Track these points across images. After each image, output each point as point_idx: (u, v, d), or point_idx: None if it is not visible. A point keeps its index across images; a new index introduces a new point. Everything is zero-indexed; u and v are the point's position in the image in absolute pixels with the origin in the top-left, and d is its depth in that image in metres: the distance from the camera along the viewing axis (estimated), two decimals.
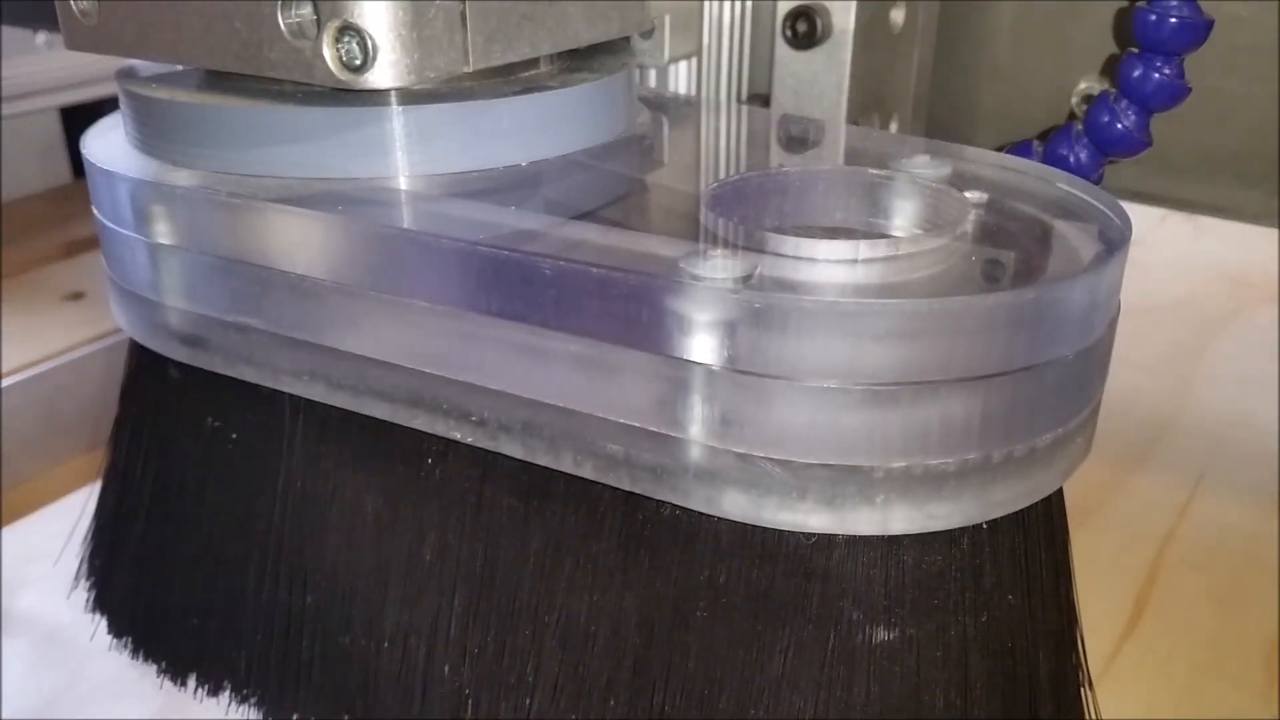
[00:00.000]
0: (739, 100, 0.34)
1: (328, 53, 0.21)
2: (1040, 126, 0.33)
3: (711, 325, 0.18)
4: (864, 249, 0.19)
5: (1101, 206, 0.21)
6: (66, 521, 0.33)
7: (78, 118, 0.71)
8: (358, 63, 0.21)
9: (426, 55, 0.21)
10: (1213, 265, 0.58)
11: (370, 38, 0.21)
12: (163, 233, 0.23)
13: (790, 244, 0.19)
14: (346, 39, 0.21)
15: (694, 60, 0.33)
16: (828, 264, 0.19)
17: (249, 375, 0.24)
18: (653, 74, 0.33)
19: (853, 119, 0.32)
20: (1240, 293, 0.55)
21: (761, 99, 0.33)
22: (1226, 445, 0.42)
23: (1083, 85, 0.32)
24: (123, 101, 0.25)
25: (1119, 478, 0.39)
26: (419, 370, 0.21)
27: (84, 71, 0.67)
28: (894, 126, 0.34)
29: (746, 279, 0.18)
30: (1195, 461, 0.40)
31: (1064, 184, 0.23)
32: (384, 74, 0.21)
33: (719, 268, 0.18)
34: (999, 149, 0.33)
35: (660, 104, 0.29)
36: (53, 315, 0.54)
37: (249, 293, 0.23)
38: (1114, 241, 0.20)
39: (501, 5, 0.22)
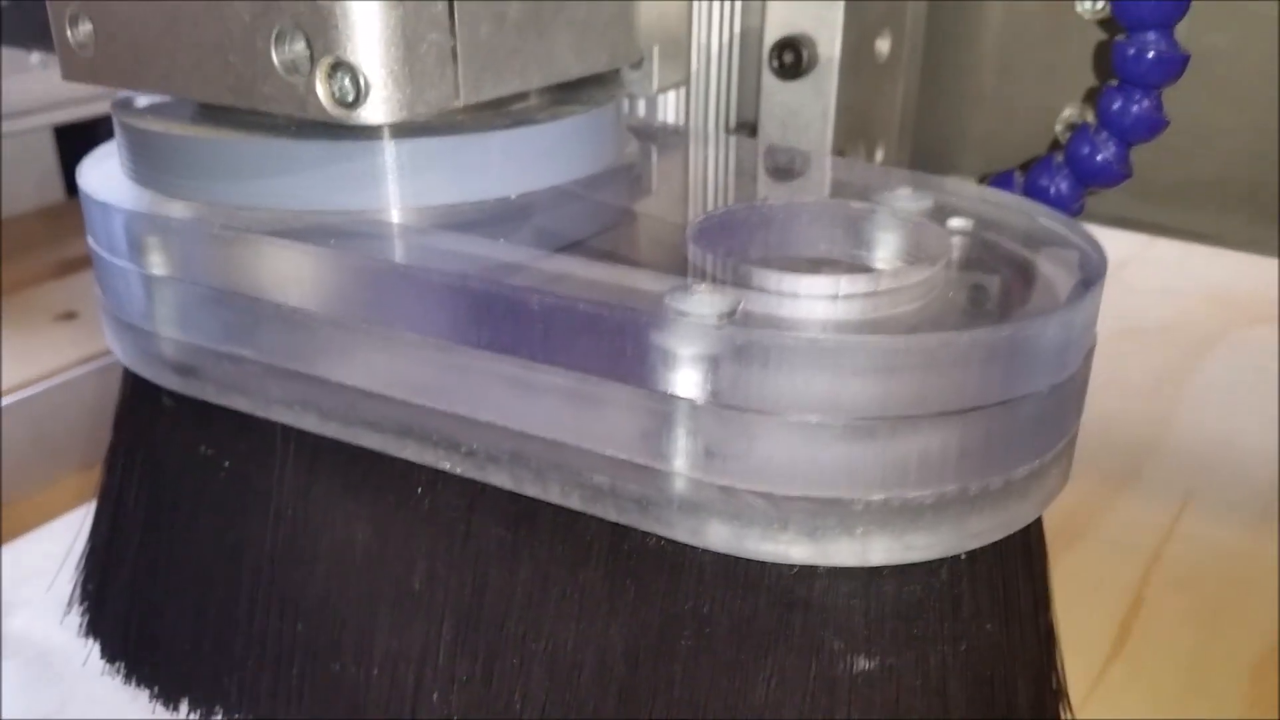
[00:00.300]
0: (727, 129, 0.34)
1: (320, 88, 0.21)
2: (1025, 154, 0.34)
3: (695, 360, 0.18)
4: (845, 284, 0.19)
5: (1079, 241, 0.22)
6: (60, 542, 0.33)
7: (71, 136, 0.71)
8: (350, 98, 0.21)
9: (418, 91, 0.22)
10: (1200, 287, 0.58)
11: (362, 74, 0.21)
12: (156, 264, 0.24)
13: (774, 279, 0.19)
14: (339, 75, 0.21)
15: (682, 90, 0.33)
16: (810, 299, 0.19)
17: (241, 404, 0.24)
18: (641, 103, 0.34)
19: (839, 148, 0.32)
20: (1227, 314, 0.55)
21: (749, 127, 0.34)
22: (1213, 466, 0.42)
23: (1067, 113, 0.33)
24: (118, 133, 0.26)
25: (1106, 499, 0.40)
26: (409, 401, 0.22)
27: (77, 90, 0.68)
28: (880, 155, 0.35)
29: (730, 315, 0.18)
30: (1182, 482, 0.41)
31: (1043, 218, 0.23)
32: (376, 109, 0.21)
33: (703, 303, 0.18)
34: (983, 178, 0.34)
35: (649, 134, 0.30)
36: (45, 335, 0.54)
37: (241, 323, 0.23)
38: (1090, 277, 0.20)
39: (492, 41, 0.23)
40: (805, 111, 0.32)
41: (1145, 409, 0.46)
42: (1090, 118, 0.30)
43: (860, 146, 0.33)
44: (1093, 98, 0.31)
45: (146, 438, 0.27)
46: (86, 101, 0.69)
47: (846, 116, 0.32)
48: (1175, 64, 0.27)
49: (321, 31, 0.21)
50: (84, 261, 0.64)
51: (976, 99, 0.35)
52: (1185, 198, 0.33)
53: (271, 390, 0.24)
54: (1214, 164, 0.32)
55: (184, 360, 0.25)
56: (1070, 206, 0.29)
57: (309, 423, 0.23)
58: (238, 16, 0.22)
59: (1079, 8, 0.31)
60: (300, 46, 0.21)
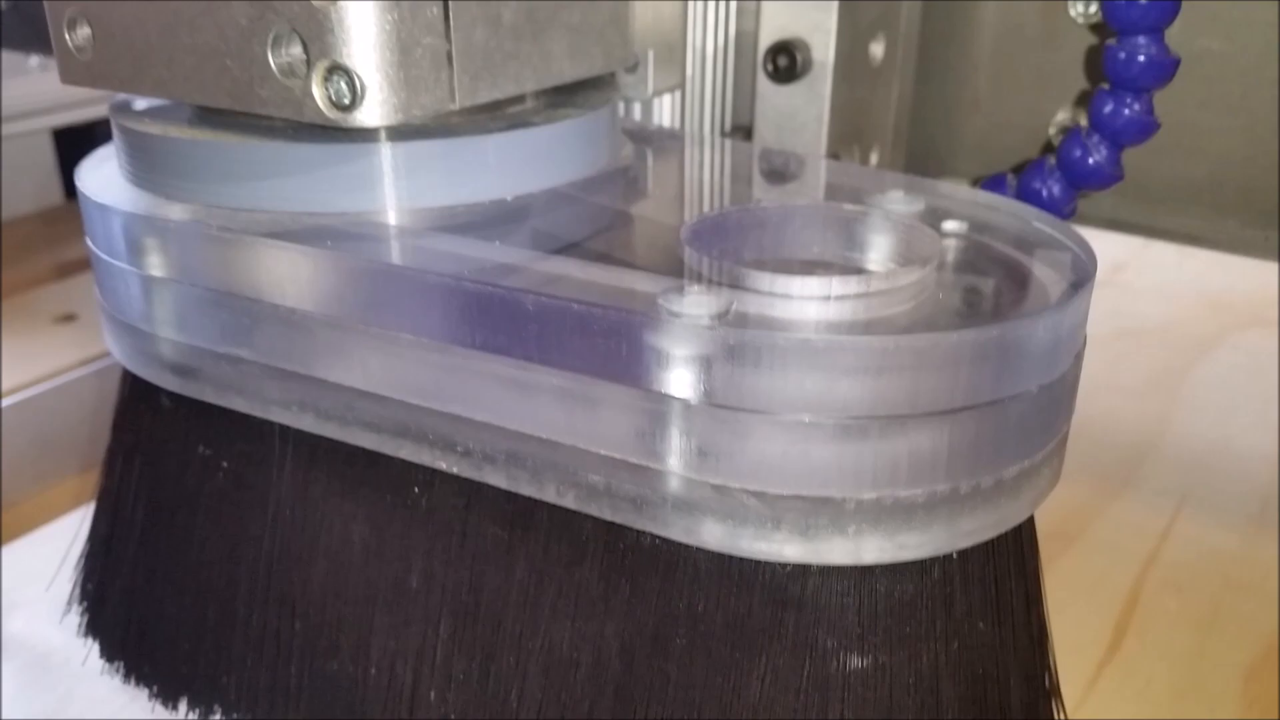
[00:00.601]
0: (722, 132, 0.34)
1: (317, 91, 0.22)
2: (1019, 156, 0.34)
3: (688, 360, 0.18)
4: (836, 286, 0.19)
5: (1069, 243, 0.22)
6: (58, 544, 0.33)
7: (70, 139, 0.71)
8: (346, 101, 0.21)
9: (413, 94, 0.22)
10: (1196, 289, 0.58)
11: (358, 77, 0.21)
12: (155, 265, 0.24)
13: (766, 280, 0.19)
14: (335, 78, 0.21)
15: (678, 93, 0.34)
16: (802, 300, 0.19)
17: (239, 405, 0.24)
18: (637, 106, 0.34)
19: (833, 151, 0.33)
20: (1223, 317, 0.55)
21: (744, 131, 0.34)
22: (1208, 468, 0.42)
23: (1060, 116, 0.33)
24: (116, 136, 0.26)
25: (1102, 501, 0.40)
26: (406, 401, 0.22)
27: (76, 93, 0.68)
28: (874, 158, 0.35)
29: (723, 315, 0.18)
30: (1177, 485, 0.41)
31: (1034, 220, 0.23)
32: (372, 112, 0.21)
33: (696, 304, 0.18)
34: (976, 180, 0.34)
35: (644, 137, 0.30)
36: (44, 337, 0.54)
37: (240, 325, 0.23)
38: (1079, 279, 0.20)
39: (487, 45, 0.23)
40: (800, 115, 0.32)
41: (1141, 411, 0.46)
42: (1083, 121, 0.30)
43: (855, 149, 0.34)
44: (1085, 101, 0.32)
45: (145, 438, 0.27)
46: (85, 104, 0.70)
47: (841, 120, 0.32)
48: (1166, 68, 0.27)
49: (318, 35, 0.21)
50: (83, 264, 0.64)
51: (970, 102, 0.35)
52: (1178, 200, 0.33)
53: (269, 391, 0.24)
54: (1207, 166, 0.32)
55: (183, 361, 0.25)
56: (1062, 209, 0.29)
57: (307, 423, 0.24)
58: (234, 20, 0.22)
59: (1071, 11, 0.31)
60: (297, 50, 0.22)
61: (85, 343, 0.53)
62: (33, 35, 0.57)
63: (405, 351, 0.21)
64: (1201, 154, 0.32)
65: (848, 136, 0.33)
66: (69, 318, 0.57)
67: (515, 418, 0.21)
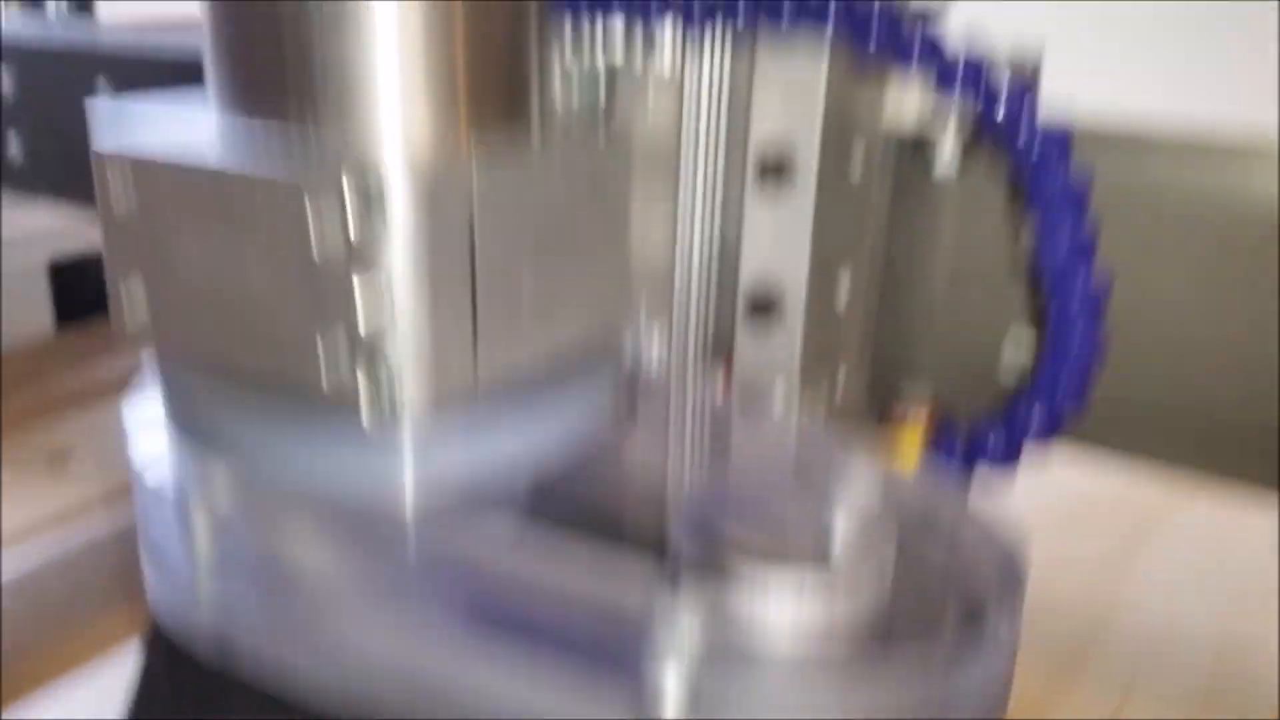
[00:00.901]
0: (704, 356, 0.37)
1: (360, 379, 0.23)
2: (976, 385, 0.37)
3: (669, 669, 0.21)
4: (808, 587, 0.22)
5: (1003, 547, 0.25)
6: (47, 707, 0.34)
7: (64, 271, 0.72)
8: (384, 388, 0.23)
9: (444, 380, 0.24)
10: (1144, 467, 0.60)
11: (395, 367, 0.23)
12: (192, 532, 0.26)
13: (746, 577, 0.22)
14: (375, 367, 0.23)
15: (663, 323, 0.37)
16: (778, 601, 0.22)
17: (266, 667, 0.26)
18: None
19: (806, 379, 0.36)
20: (1171, 498, 0.56)
21: (726, 352, 0.37)
22: (1157, 651, 0.44)
23: (1007, 356, 0.36)
24: (163, 396, 0.28)
25: (1052, 686, 0.41)
26: (420, 680, 0.24)
27: (70, 225, 0.68)
28: (840, 379, 0.38)
29: (707, 626, 0.21)
30: (1125, 668, 0.42)
31: (971, 518, 0.26)
32: (407, 401, 0.23)
33: (680, 628, 0.21)
34: (932, 411, 0.37)
35: (633, 383, 0.32)
36: (37, 475, 0.55)
37: (265, 592, 0.25)
38: (1012, 584, 0.23)
39: (508, 334, 0.25)
40: (775, 351, 0.35)
41: (1090, 590, 0.48)
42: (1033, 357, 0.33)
43: (823, 378, 0.37)
44: (1037, 341, 0.35)
45: (174, 697, 0.29)
46: (78, 236, 0.70)
47: (811, 355, 0.36)
48: (1101, 354, 0.30)
49: (363, 333, 0.23)
50: (73, 399, 0.63)
51: (927, 335, 0.38)
52: (1117, 418, 0.36)
53: (295, 660, 0.25)
54: (1149, 392, 0.35)
55: (214, 627, 0.26)
56: (1009, 461, 0.32)
57: (328, 689, 0.25)
58: (285, 308, 0.24)
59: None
60: (341, 337, 0.23)
61: (79, 480, 0.54)
62: (47, 182, 0.59)
63: (417, 629, 0.24)
64: (1137, 377, 0.35)
65: (818, 366, 0.36)
66: (61, 454, 0.57)
67: (513, 706, 0.23)
